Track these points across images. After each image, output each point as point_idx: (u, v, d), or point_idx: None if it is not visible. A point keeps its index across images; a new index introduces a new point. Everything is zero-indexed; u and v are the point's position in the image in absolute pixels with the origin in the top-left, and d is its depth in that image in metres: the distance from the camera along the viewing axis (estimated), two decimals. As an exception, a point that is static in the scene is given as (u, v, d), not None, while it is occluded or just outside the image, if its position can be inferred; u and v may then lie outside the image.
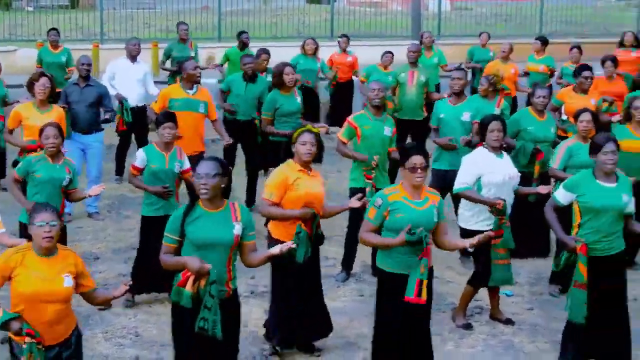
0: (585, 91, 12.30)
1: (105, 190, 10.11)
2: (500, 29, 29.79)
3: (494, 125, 9.02)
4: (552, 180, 10.18)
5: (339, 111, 16.81)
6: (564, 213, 8.12)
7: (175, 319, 6.81)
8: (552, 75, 16.95)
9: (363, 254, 10.41)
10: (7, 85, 13.79)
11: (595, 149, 7.91)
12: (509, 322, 9.35)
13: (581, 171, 8.34)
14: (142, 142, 13.79)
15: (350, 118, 10.41)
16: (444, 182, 10.44)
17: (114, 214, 12.98)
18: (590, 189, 7.86)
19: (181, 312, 6.66)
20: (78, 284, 6.47)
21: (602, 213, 7.81)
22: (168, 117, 9.61)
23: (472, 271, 9.37)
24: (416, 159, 7.22)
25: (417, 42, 16.32)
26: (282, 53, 17.42)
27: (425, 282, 7.22)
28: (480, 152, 9.12)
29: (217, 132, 12.16)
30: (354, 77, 17.61)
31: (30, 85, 11.02)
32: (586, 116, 9.86)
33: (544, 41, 17.53)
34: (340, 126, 10.61)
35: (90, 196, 9.59)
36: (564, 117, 12.59)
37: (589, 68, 12.43)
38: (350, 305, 9.77)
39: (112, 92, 13.69)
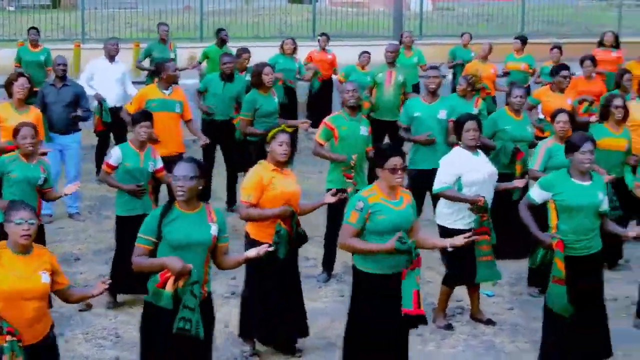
0: (562, 90, 12.33)
1: (80, 189, 10.09)
2: (482, 29, 29.80)
3: (470, 124, 9.04)
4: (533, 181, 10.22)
5: (319, 109, 16.81)
6: (539, 212, 8.15)
7: (150, 320, 6.75)
8: (532, 74, 17.03)
9: (344, 255, 10.32)
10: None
11: (572, 148, 7.94)
12: (489, 322, 9.38)
13: (555, 170, 8.39)
14: (122, 142, 13.73)
15: (326, 120, 10.40)
16: (422, 182, 10.44)
17: (94, 214, 12.95)
18: (566, 188, 7.89)
19: (158, 313, 6.60)
20: (53, 281, 6.45)
21: (578, 211, 7.85)
22: (145, 116, 9.62)
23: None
24: (396, 160, 7.20)
25: (395, 42, 16.31)
26: (264, 53, 17.40)
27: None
28: (458, 152, 9.14)
29: (192, 132, 12.16)
30: (333, 76, 17.63)
31: (8, 86, 10.99)
32: (563, 117, 9.89)
33: (523, 40, 17.65)
34: (319, 125, 10.58)
35: (65, 194, 9.55)
36: (541, 116, 12.63)
37: (567, 67, 12.48)
38: (331, 306, 9.77)
39: (91, 92, 13.68)
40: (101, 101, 13.64)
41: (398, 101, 13.79)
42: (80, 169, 12.98)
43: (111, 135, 14.31)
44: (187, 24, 28.15)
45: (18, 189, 9.01)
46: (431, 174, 9.48)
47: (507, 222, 9.56)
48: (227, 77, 12.97)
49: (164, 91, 11.38)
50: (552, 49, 16.57)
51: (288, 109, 15.07)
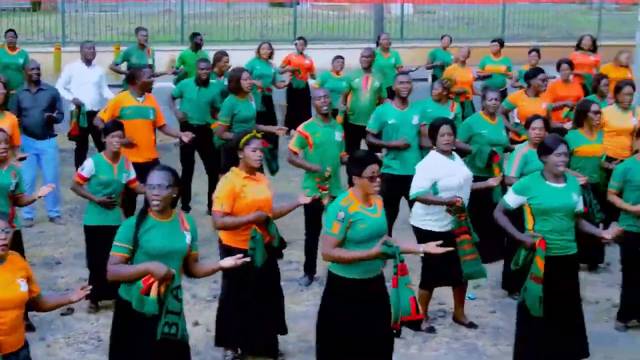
0: (537, 94, 12.36)
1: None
2: (462, 32, 29.93)
3: (445, 129, 9.00)
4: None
5: (296, 113, 16.78)
6: (515, 217, 8.16)
7: (133, 327, 6.66)
8: (511, 77, 17.10)
9: (326, 258, 10.40)
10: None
11: (546, 151, 7.97)
12: (472, 325, 9.41)
13: (529, 174, 8.42)
14: (101, 145, 13.69)
15: (300, 128, 10.34)
16: (398, 188, 10.43)
17: (75, 218, 12.90)
18: (541, 191, 7.92)
19: (142, 320, 6.52)
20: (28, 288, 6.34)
21: (555, 213, 7.88)
22: (117, 125, 9.57)
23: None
24: (374, 167, 7.13)
25: (370, 46, 16.25)
26: (245, 56, 17.33)
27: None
28: (433, 156, 9.11)
29: (171, 135, 12.10)
30: (310, 81, 17.57)
31: None
32: (538, 123, 9.87)
33: (502, 43, 17.72)
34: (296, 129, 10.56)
35: (39, 197, 9.46)
36: (517, 120, 12.65)
37: (542, 71, 12.51)
38: (313, 310, 9.70)
39: (68, 96, 13.61)
40: (80, 105, 13.56)
41: (374, 106, 13.72)
42: (59, 173, 12.89)
43: (90, 138, 14.20)
44: (168, 27, 28.16)
45: None
46: (407, 179, 9.46)
47: (482, 224, 9.54)
48: (203, 83, 12.97)
49: (138, 98, 11.25)
50: (530, 52, 16.62)
51: (266, 117, 14.99)
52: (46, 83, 12.87)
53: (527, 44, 23.22)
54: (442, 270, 8.97)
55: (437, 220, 8.96)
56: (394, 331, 7.24)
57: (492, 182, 9.51)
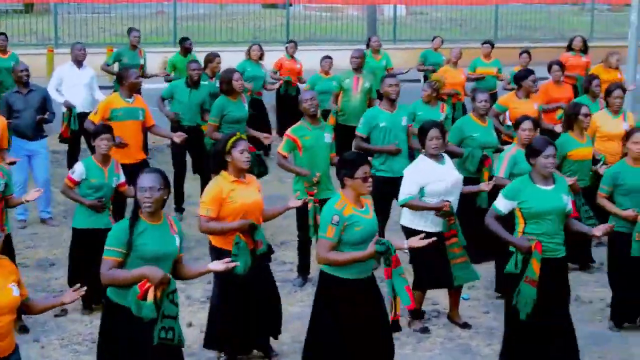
0: (528, 96, 12.37)
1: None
2: (455, 33, 29.98)
3: (433, 132, 8.96)
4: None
5: (287, 117, 16.74)
6: (507, 221, 8.14)
7: (132, 335, 6.60)
8: (502, 79, 17.09)
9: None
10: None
11: (534, 153, 7.95)
12: (465, 325, 9.41)
13: (517, 178, 8.40)
14: (93, 147, 13.67)
15: (288, 132, 10.27)
16: (389, 189, 10.42)
17: (69, 219, 12.80)
18: (531, 194, 7.90)
19: (140, 327, 6.48)
20: None
21: (546, 216, 7.87)
22: (105, 128, 9.57)
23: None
24: (366, 168, 7.16)
25: (361, 48, 16.23)
26: (238, 58, 17.28)
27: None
28: (422, 161, 9.08)
29: (162, 135, 12.07)
30: (299, 85, 17.50)
31: None
32: (527, 124, 9.86)
33: (493, 45, 17.72)
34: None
35: (27, 201, 9.37)
36: (509, 122, 12.66)
37: (532, 72, 12.52)
38: (307, 310, 9.67)
39: (60, 99, 13.59)
40: (71, 108, 13.53)
41: (365, 107, 13.71)
42: (51, 175, 12.87)
43: (81, 140, 14.17)
44: (161, 28, 28.12)
45: None
46: (397, 182, 9.45)
47: (470, 226, 9.55)
48: (194, 84, 12.96)
49: (127, 99, 11.22)
50: (521, 54, 16.64)
51: (258, 120, 14.96)
52: (35, 84, 12.82)
53: (519, 45, 23.27)
54: (433, 274, 8.99)
55: (426, 223, 8.95)
56: (393, 323, 7.25)
57: (484, 187, 9.51)
